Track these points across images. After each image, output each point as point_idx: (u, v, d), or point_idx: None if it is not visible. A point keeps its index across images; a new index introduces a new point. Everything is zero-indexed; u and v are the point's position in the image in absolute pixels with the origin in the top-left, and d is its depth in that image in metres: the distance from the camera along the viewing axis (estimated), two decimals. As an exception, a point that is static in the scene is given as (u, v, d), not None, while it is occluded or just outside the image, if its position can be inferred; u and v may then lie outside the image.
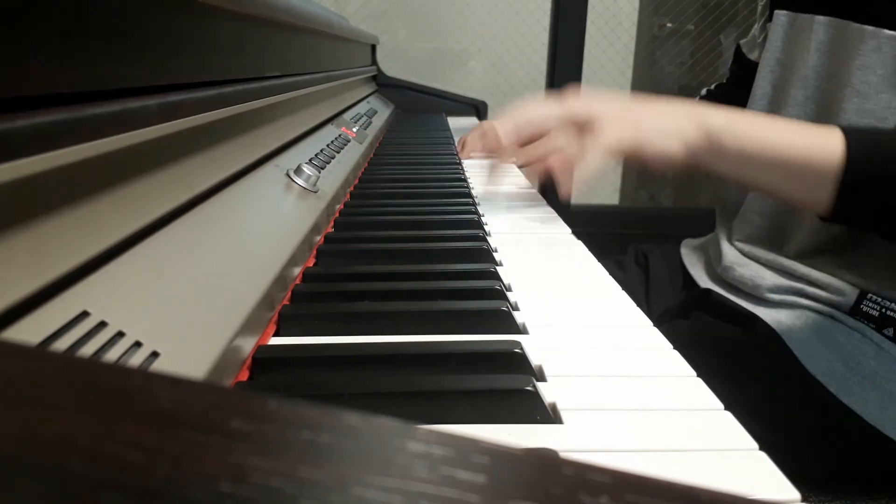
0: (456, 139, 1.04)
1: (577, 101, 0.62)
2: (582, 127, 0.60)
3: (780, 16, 0.74)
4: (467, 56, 2.04)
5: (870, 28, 0.62)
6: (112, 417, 0.11)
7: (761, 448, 0.28)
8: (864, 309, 0.63)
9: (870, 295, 0.63)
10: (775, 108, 0.75)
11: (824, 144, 0.55)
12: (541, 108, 0.63)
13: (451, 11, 1.99)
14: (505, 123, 0.65)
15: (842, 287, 0.64)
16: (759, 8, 0.84)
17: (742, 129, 0.58)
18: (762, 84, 0.76)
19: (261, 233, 0.43)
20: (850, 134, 0.55)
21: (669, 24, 2.09)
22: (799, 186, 0.57)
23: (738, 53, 0.90)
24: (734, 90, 0.90)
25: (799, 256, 0.69)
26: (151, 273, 0.28)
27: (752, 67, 0.83)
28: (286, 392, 0.30)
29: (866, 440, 0.60)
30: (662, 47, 2.12)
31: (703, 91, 0.96)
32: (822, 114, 0.69)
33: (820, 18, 0.68)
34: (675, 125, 0.58)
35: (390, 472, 0.11)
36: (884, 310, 0.62)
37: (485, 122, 0.72)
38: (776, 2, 0.75)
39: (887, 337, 0.62)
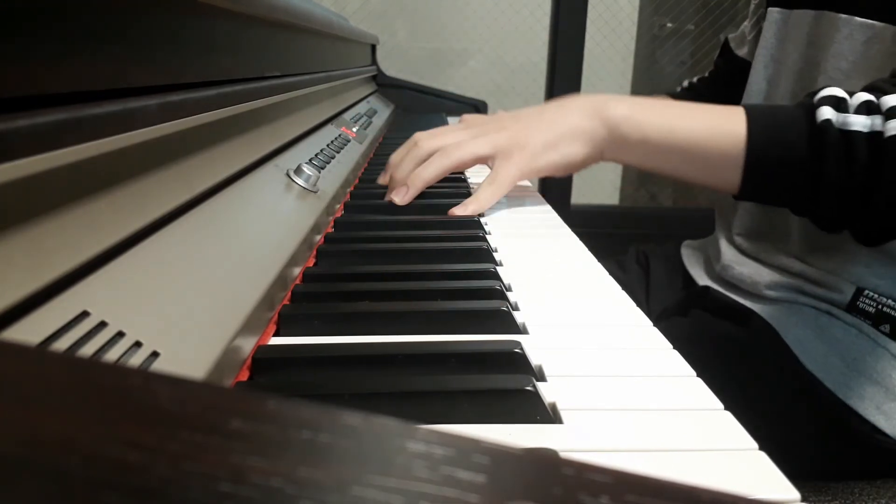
0: None
1: (469, 146, 0.63)
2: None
3: (774, 13, 0.75)
4: (467, 56, 2.04)
5: (843, 16, 0.63)
6: (112, 417, 0.11)
7: (760, 444, 0.28)
8: (861, 305, 0.63)
9: (866, 291, 0.63)
10: (769, 102, 0.75)
11: (726, 126, 0.56)
12: (442, 162, 0.64)
13: (451, 11, 1.99)
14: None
15: (838, 284, 0.65)
16: (752, 6, 0.84)
17: (643, 117, 0.58)
18: (757, 80, 0.77)
19: (261, 233, 0.43)
20: (752, 113, 0.55)
21: (669, 24, 2.09)
22: (706, 170, 0.58)
23: (725, 48, 0.91)
24: (717, 84, 0.90)
25: (796, 254, 0.69)
26: (151, 273, 0.28)
27: (738, 63, 0.84)
28: (286, 392, 0.30)
29: (863, 436, 0.60)
30: (662, 47, 2.12)
31: (685, 83, 0.96)
32: (798, 99, 0.70)
33: (810, 13, 0.69)
34: (572, 127, 0.59)
35: (390, 472, 0.11)
36: (880, 306, 0.63)
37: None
38: (771, 0, 0.76)
39: (884, 333, 0.62)
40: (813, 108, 0.53)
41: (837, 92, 0.53)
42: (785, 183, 0.55)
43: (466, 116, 0.81)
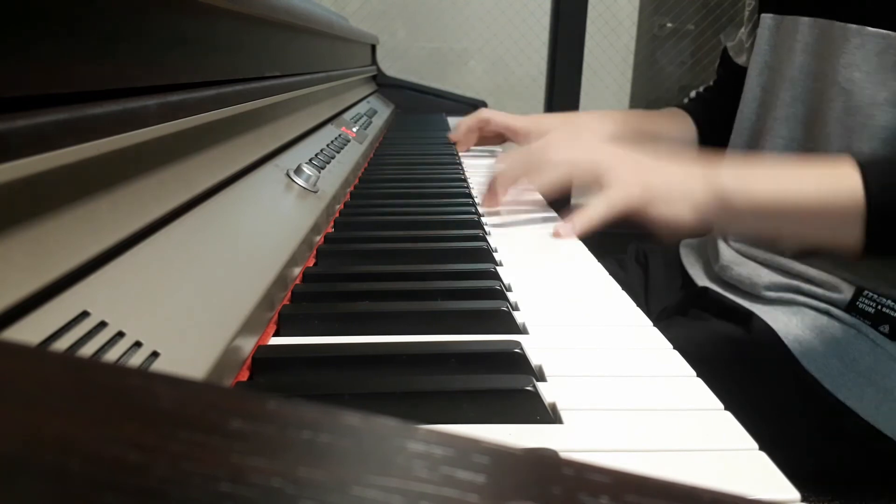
0: None
1: (588, 154, 0.61)
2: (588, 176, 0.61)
3: (767, 19, 0.75)
4: (467, 56, 2.04)
5: (853, 26, 0.63)
6: (112, 417, 0.11)
7: (759, 444, 0.28)
8: (860, 306, 0.63)
9: (866, 292, 0.63)
10: (764, 110, 0.75)
11: (839, 186, 0.54)
12: (553, 157, 0.62)
13: (451, 11, 1.99)
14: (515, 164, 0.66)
15: (838, 284, 0.65)
16: (747, 13, 0.84)
17: (753, 188, 0.57)
18: (752, 87, 0.77)
19: (261, 233, 0.43)
20: (865, 169, 0.54)
21: (669, 24, 2.09)
22: (823, 233, 0.56)
23: (725, 57, 0.91)
24: (721, 93, 0.90)
25: (795, 254, 0.69)
26: (152, 273, 0.28)
27: (738, 71, 0.84)
28: (286, 392, 0.30)
29: (862, 437, 0.60)
30: (662, 47, 2.12)
31: (693, 93, 0.97)
32: (809, 113, 0.70)
33: (804, 20, 0.69)
34: (684, 189, 0.58)
35: (390, 472, 0.11)
36: (879, 307, 0.63)
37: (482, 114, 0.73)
38: (763, 6, 0.76)
39: (883, 334, 0.62)
40: None
41: None
42: None
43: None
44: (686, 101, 0.96)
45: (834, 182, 0.55)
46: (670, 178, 0.59)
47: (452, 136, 1.07)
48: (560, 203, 0.72)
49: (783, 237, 0.59)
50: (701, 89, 0.96)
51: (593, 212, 0.58)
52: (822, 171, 0.57)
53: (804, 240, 0.59)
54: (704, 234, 0.89)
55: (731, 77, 0.86)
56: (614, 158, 0.61)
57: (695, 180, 0.58)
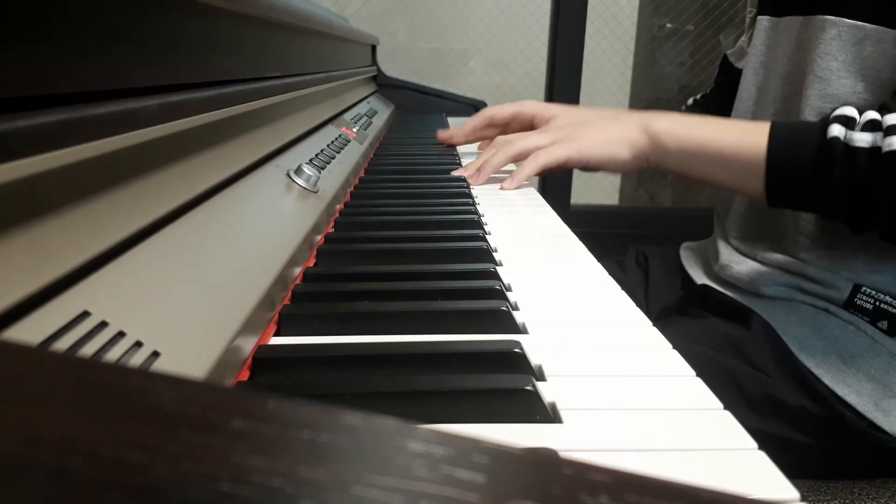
0: None
1: (532, 139, 0.75)
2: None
3: (763, 20, 0.76)
4: (467, 56, 2.04)
5: (831, 18, 0.64)
6: (112, 417, 0.11)
7: (759, 444, 0.28)
8: (859, 302, 0.64)
9: (864, 288, 0.64)
10: (759, 108, 0.76)
11: (750, 139, 0.62)
12: (508, 150, 0.77)
13: (451, 11, 1.99)
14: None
15: (836, 281, 0.65)
16: (748, 20, 0.85)
17: (681, 131, 0.67)
18: (747, 87, 0.78)
19: (261, 233, 0.43)
20: (774, 129, 0.61)
21: (669, 25, 2.09)
22: (734, 177, 0.64)
23: (725, 64, 0.91)
24: (719, 99, 0.91)
25: (793, 252, 0.69)
26: (152, 273, 0.28)
27: (738, 76, 0.84)
28: (286, 392, 0.30)
29: (862, 433, 0.60)
30: (662, 47, 2.12)
31: (690, 101, 0.97)
32: (789, 101, 0.70)
33: (798, 18, 0.70)
34: (621, 134, 0.70)
35: (390, 472, 0.11)
36: (878, 303, 0.63)
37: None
38: (762, 9, 0.77)
39: (881, 330, 0.63)
40: (826, 125, 0.57)
41: (849, 111, 0.58)
42: (800, 191, 0.59)
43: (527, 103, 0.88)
44: (684, 108, 0.96)
45: (748, 136, 0.62)
46: (605, 131, 0.71)
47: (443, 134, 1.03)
48: (561, 202, 0.73)
49: (706, 178, 0.67)
50: (698, 97, 0.96)
51: (529, 168, 0.73)
52: (742, 127, 0.65)
53: (722, 183, 0.66)
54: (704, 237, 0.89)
55: (732, 84, 0.87)
56: (557, 133, 0.74)
57: (632, 127, 0.70)
